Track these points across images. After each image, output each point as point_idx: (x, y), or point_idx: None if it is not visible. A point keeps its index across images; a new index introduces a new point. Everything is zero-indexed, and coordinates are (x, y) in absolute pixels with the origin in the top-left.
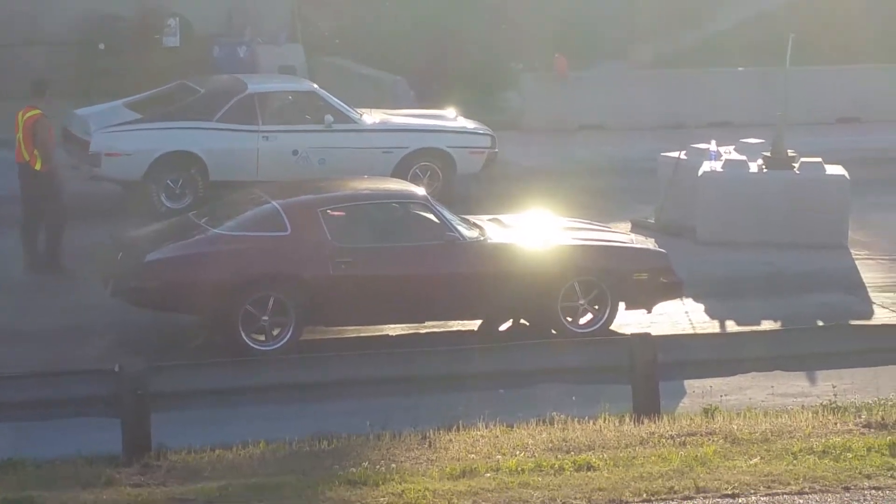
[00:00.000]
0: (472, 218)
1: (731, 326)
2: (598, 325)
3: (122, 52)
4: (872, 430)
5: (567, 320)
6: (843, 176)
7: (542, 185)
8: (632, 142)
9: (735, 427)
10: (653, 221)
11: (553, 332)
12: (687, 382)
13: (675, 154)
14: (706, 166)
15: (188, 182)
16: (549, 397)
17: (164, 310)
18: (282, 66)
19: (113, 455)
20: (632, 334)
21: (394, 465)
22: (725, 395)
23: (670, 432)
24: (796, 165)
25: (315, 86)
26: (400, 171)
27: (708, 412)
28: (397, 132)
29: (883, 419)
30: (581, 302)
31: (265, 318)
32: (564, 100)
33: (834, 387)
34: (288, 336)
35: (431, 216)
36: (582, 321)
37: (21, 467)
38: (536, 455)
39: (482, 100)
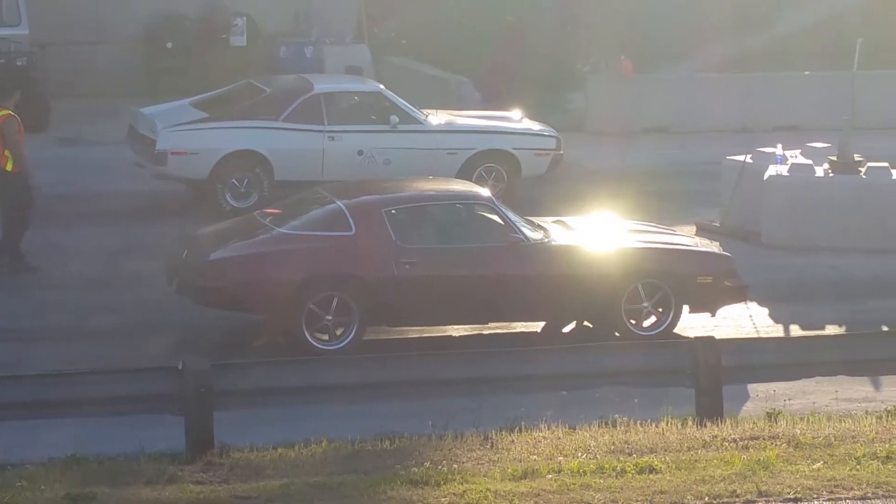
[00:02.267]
0: (535, 220)
1: (796, 331)
2: (661, 328)
3: (188, 51)
4: None
5: (630, 323)
6: None
7: (606, 187)
8: (697, 145)
9: (798, 431)
10: (718, 225)
11: (616, 334)
12: (750, 386)
13: (741, 158)
14: (772, 170)
15: (253, 181)
16: (611, 399)
17: (229, 309)
18: (348, 66)
19: (176, 452)
20: (695, 337)
21: (455, 466)
22: (789, 400)
23: (733, 436)
24: (863, 170)
25: (381, 86)
26: (465, 173)
27: (771, 416)
28: (462, 133)
29: None
30: (645, 305)
31: (329, 317)
32: (629, 102)
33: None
34: (351, 336)
35: (496, 217)
36: (645, 324)
37: (84, 463)
38: (598, 457)
39: (547, 101)
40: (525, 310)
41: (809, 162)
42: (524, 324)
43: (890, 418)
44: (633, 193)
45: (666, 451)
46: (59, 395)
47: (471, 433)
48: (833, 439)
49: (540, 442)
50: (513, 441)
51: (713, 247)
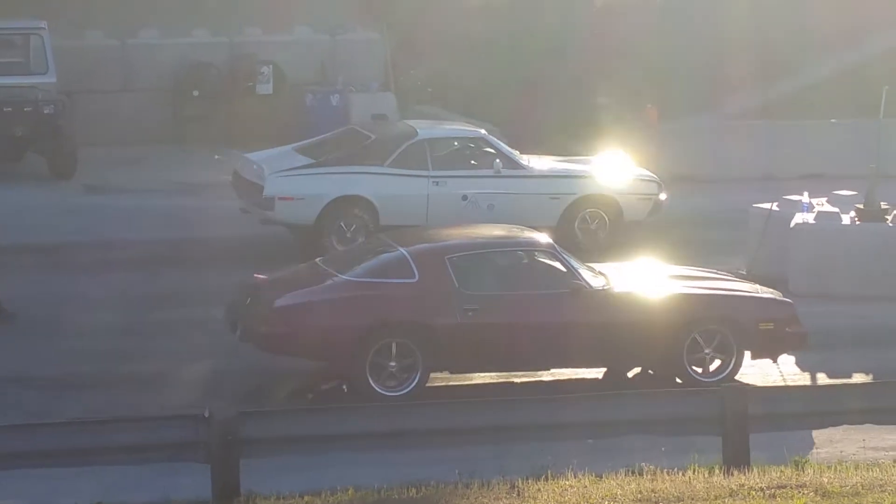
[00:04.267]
0: (595, 266)
1: (823, 379)
2: (723, 375)
3: (215, 99)
4: None
5: (692, 369)
6: None
7: (631, 235)
8: (722, 193)
9: (826, 480)
10: (745, 273)
11: (678, 381)
12: (777, 434)
13: (767, 205)
14: (798, 218)
15: (359, 226)
16: (637, 447)
17: (293, 355)
18: (374, 113)
19: (202, 500)
20: (723, 386)
21: None
22: (816, 448)
23: (760, 485)
24: (889, 217)
25: (483, 131)
26: (567, 218)
27: (798, 465)
28: (565, 178)
29: None
30: (707, 351)
31: (392, 364)
32: (655, 150)
33: None
34: (415, 382)
35: (557, 264)
36: (708, 370)
37: None
38: None
39: (573, 148)
40: (586, 356)
41: (836, 210)
42: (585, 370)
43: None
44: (659, 241)
45: (693, 499)
46: (86, 442)
47: (497, 481)
48: (860, 488)
49: (567, 490)
50: (539, 489)
51: (774, 293)
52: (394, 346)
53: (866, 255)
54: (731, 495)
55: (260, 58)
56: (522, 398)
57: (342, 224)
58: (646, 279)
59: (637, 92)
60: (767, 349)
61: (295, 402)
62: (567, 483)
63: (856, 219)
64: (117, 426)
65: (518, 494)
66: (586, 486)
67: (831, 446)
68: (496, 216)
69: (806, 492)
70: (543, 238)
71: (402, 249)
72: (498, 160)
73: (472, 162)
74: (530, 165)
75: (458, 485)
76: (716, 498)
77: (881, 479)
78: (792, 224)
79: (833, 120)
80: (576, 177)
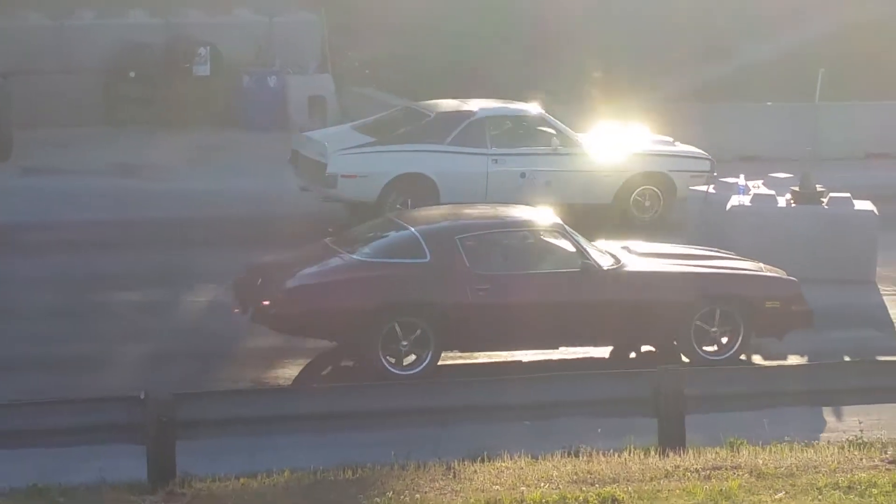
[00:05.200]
0: (602, 245)
1: (758, 361)
2: (729, 353)
3: (152, 80)
4: None
5: (700, 348)
6: (872, 211)
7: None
8: None
9: (760, 461)
10: None
11: (684, 359)
12: (713, 416)
13: (703, 188)
14: (734, 200)
15: (420, 204)
16: (574, 429)
17: (305, 335)
18: (311, 95)
19: (138, 482)
20: (658, 367)
21: (418, 496)
22: (752, 430)
23: (695, 466)
24: (825, 200)
25: (541, 109)
26: (622, 194)
27: (733, 446)
28: (621, 155)
29: None
30: (714, 329)
31: (404, 343)
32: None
33: (860, 422)
34: (427, 361)
35: (567, 243)
36: (713, 348)
37: (47, 493)
38: (561, 487)
39: None
40: (595, 335)
41: (772, 192)
42: (594, 348)
43: (851, 448)
44: (602, 222)
45: (628, 481)
46: (21, 424)
47: (433, 463)
48: (795, 469)
49: (503, 472)
50: (475, 471)
51: (779, 272)
52: (406, 326)
53: (802, 238)
54: (666, 476)
55: (197, 39)
56: (458, 380)
57: (401, 203)
58: (656, 258)
59: (578, 73)
60: (774, 327)
61: (233, 385)
62: (503, 464)
63: (791, 201)
64: (53, 408)
65: (454, 476)
66: (522, 468)
67: (767, 428)
68: (553, 193)
69: (741, 473)
70: (552, 217)
71: (412, 229)
72: (555, 138)
73: (530, 140)
74: (586, 143)
75: (394, 466)
76: (651, 479)
77: (815, 460)
78: (728, 206)
79: (769, 103)
80: (631, 154)
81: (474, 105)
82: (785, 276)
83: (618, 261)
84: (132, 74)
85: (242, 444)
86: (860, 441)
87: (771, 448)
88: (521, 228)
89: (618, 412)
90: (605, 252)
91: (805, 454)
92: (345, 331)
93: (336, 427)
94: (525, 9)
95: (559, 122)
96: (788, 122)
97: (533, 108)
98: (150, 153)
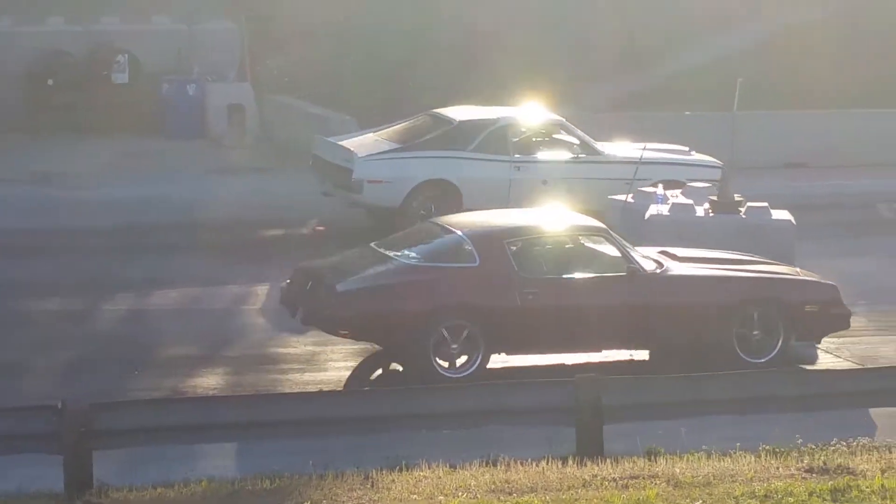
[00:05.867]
0: (642, 250)
1: (675, 370)
2: (770, 357)
3: (70, 87)
4: (814, 475)
5: (740, 350)
6: (789, 221)
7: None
8: None
9: (678, 470)
10: None
11: (724, 361)
12: (631, 425)
13: (622, 197)
14: (653, 209)
15: (442, 209)
16: (495, 438)
17: (355, 338)
18: (230, 104)
19: (55, 492)
20: (577, 376)
21: None
22: (671, 439)
23: (613, 475)
24: (742, 210)
25: (562, 118)
26: None
27: (651, 455)
28: (639, 164)
29: (825, 464)
30: (755, 333)
31: (455, 346)
32: None
33: (777, 431)
34: (476, 364)
35: (613, 248)
36: (754, 352)
37: None
38: (479, 496)
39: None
40: (639, 338)
41: (690, 202)
42: (636, 351)
43: (768, 457)
44: None
45: (546, 490)
46: None
47: (351, 472)
48: (712, 478)
49: (420, 482)
50: (393, 480)
51: (816, 276)
52: (455, 329)
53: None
54: (584, 485)
55: (117, 47)
56: (379, 389)
57: (424, 208)
58: (698, 262)
59: (503, 83)
60: (812, 331)
61: (151, 394)
62: (421, 474)
63: (710, 210)
64: None
65: (372, 485)
66: (440, 477)
67: (686, 436)
68: (574, 200)
69: (658, 482)
70: (597, 222)
71: (461, 234)
72: (576, 146)
73: (551, 147)
74: (606, 151)
75: (312, 476)
76: (569, 488)
77: (732, 469)
78: (646, 216)
79: (687, 112)
80: (650, 163)
81: (497, 112)
82: (823, 280)
83: (661, 265)
84: (50, 82)
85: (160, 454)
86: (777, 450)
87: (688, 457)
88: (566, 233)
89: (538, 421)
90: (649, 257)
91: (722, 463)
92: (395, 334)
93: (255, 436)
94: (450, 16)
95: (579, 131)
96: (707, 131)
97: (554, 116)
98: (71, 161)
